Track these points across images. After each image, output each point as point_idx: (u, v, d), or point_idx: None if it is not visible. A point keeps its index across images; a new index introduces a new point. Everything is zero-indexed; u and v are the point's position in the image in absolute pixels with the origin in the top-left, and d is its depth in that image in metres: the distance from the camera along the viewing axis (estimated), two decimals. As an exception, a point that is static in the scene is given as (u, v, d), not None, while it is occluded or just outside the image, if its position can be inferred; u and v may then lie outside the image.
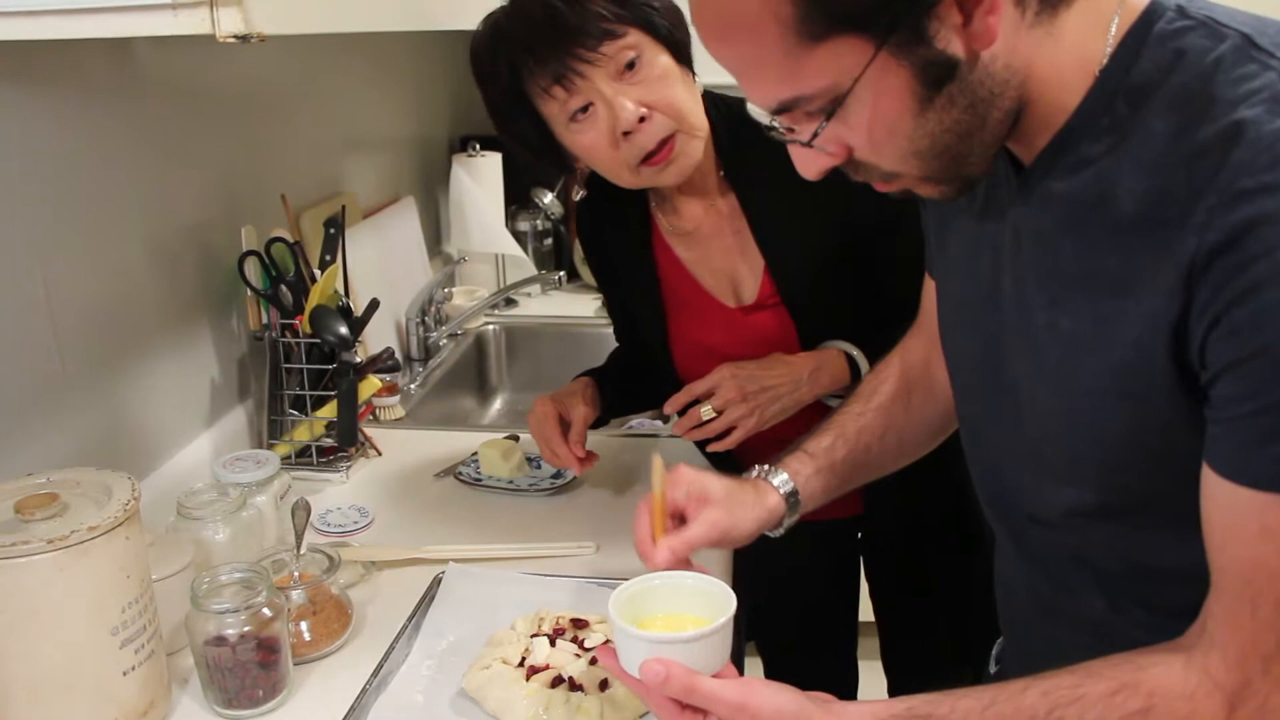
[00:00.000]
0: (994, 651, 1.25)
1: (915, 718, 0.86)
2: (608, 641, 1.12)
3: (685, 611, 1.00)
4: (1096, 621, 0.96)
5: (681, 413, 1.48)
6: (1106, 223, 0.80)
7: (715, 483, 1.16)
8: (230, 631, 1.11)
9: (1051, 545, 0.98)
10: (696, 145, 1.37)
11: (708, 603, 0.99)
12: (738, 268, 1.49)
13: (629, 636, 0.94)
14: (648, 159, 1.34)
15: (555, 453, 1.50)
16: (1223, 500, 0.78)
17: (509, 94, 1.36)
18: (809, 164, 0.87)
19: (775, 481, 1.19)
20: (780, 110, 0.83)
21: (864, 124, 0.81)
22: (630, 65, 1.30)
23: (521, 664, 1.14)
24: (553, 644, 1.16)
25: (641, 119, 1.31)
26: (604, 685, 1.09)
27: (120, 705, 1.07)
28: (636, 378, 1.65)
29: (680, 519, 1.14)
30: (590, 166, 1.43)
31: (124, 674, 1.06)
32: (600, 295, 1.82)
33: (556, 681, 1.10)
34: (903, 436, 1.24)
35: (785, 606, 1.75)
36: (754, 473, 1.21)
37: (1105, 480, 0.88)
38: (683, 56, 1.36)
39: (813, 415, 1.44)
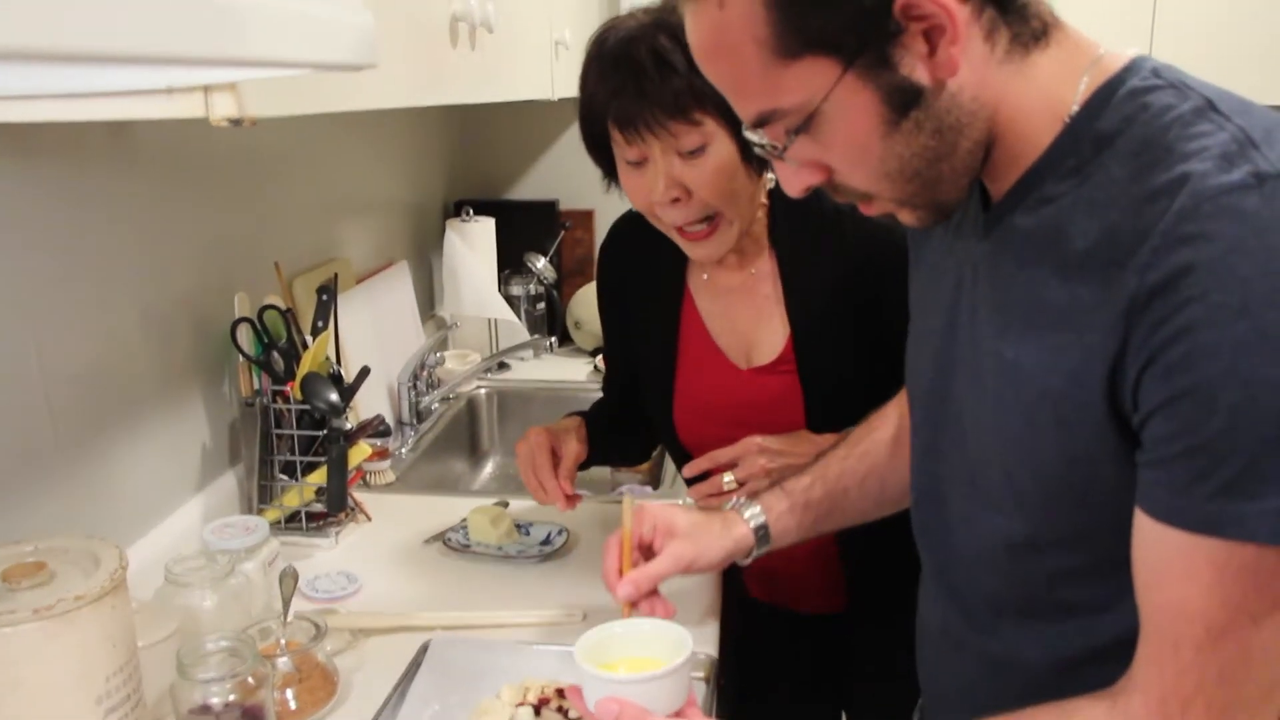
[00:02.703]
0: (916, 705, 1.26)
1: None
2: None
3: (648, 655, 1.04)
4: (1001, 661, 0.99)
5: (698, 478, 1.50)
6: (1058, 259, 0.84)
7: (682, 516, 1.22)
8: (215, 700, 1.11)
9: (972, 577, 1.01)
10: (734, 232, 1.40)
11: (668, 647, 1.03)
12: (758, 330, 1.50)
13: (589, 677, 0.99)
14: (681, 230, 1.38)
15: (543, 485, 1.50)
16: (1152, 541, 0.80)
17: (591, 115, 1.39)
18: (792, 181, 0.92)
19: (746, 514, 1.24)
20: (760, 123, 0.88)
21: (836, 142, 0.86)
22: (693, 152, 1.33)
23: (506, 734, 1.14)
24: (537, 713, 1.16)
25: (675, 199, 1.35)
26: (587, 755, 1.09)
27: (103, 775, 1.07)
28: (621, 429, 1.67)
29: (649, 552, 1.20)
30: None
31: (107, 743, 1.06)
32: (601, 343, 1.81)
33: (540, 751, 1.10)
34: (884, 484, 1.26)
35: (767, 695, 1.75)
36: (729, 505, 1.26)
37: (1035, 511, 0.90)
38: (753, 154, 1.38)
39: None
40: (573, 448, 1.53)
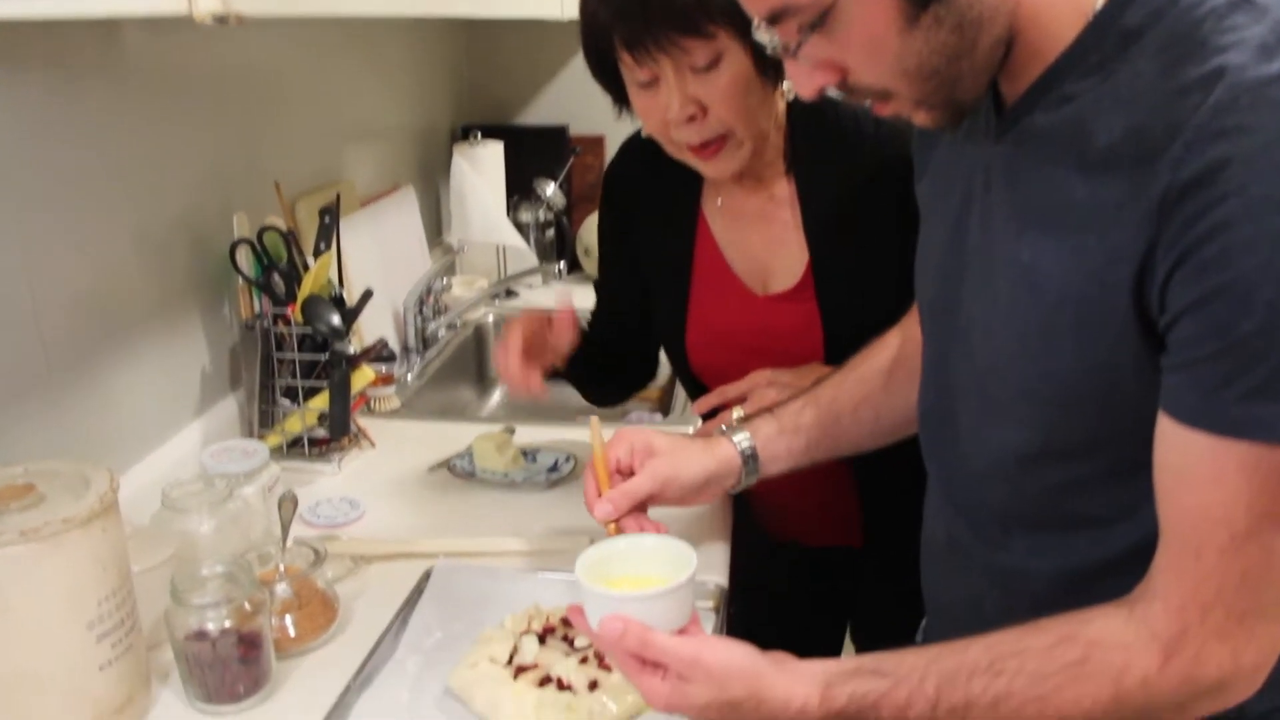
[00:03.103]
0: (921, 625, 1.23)
1: (864, 673, 0.87)
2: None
3: (651, 573, 1.01)
4: (1009, 574, 0.97)
5: (710, 415, 1.46)
6: (1080, 158, 0.81)
7: (661, 437, 1.20)
8: (211, 626, 1.08)
9: (981, 491, 0.98)
10: (745, 151, 1.34)
11: (672, 563, 1.00)
12: (776, 256, 1.45)
13: (591, 594, 0.96)
14: (694, 147, 1.33)
15: (509, 361, 1.41)
16: (1176, 446, 0.78)
17: (595, 39, 1.32)
18: (805, 82, 0.88)
19: (734, 438, 1.22)
20: (772, 19, 0.84)
21: (852, 39, 0.83)
22: (706, 67, 1.26)
23: (510, 662, 1.11)
24: (542, 642, 1.13)
25: (691, 117, 1.29)
26: (594, 685, 1.06)
27: (96, 701, 1.04)
28: (597, 375, 1.64)
29: (630, 475, 1.19)
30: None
31: (100, 669, 1.03)
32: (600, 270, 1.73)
33: (545, 681, 1.07)
34: (878, 414, 1.22)
35: (770, 624, 1.71)
36: (718, 431, 1.24)
37: (1049, 420, 0.88)
38: (768, 65, 1.31)
39: None
40: (566, 338, 1.45)
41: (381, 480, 1.63)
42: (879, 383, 1.21)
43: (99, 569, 1.02)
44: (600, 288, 1.68)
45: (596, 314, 1.67)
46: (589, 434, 1.22)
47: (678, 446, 1.20)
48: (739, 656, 0.91)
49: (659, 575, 0.99)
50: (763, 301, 1.45)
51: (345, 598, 1.26)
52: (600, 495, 1.17)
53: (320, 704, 1.08)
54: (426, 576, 1.31)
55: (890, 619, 1.58)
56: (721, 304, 1.48)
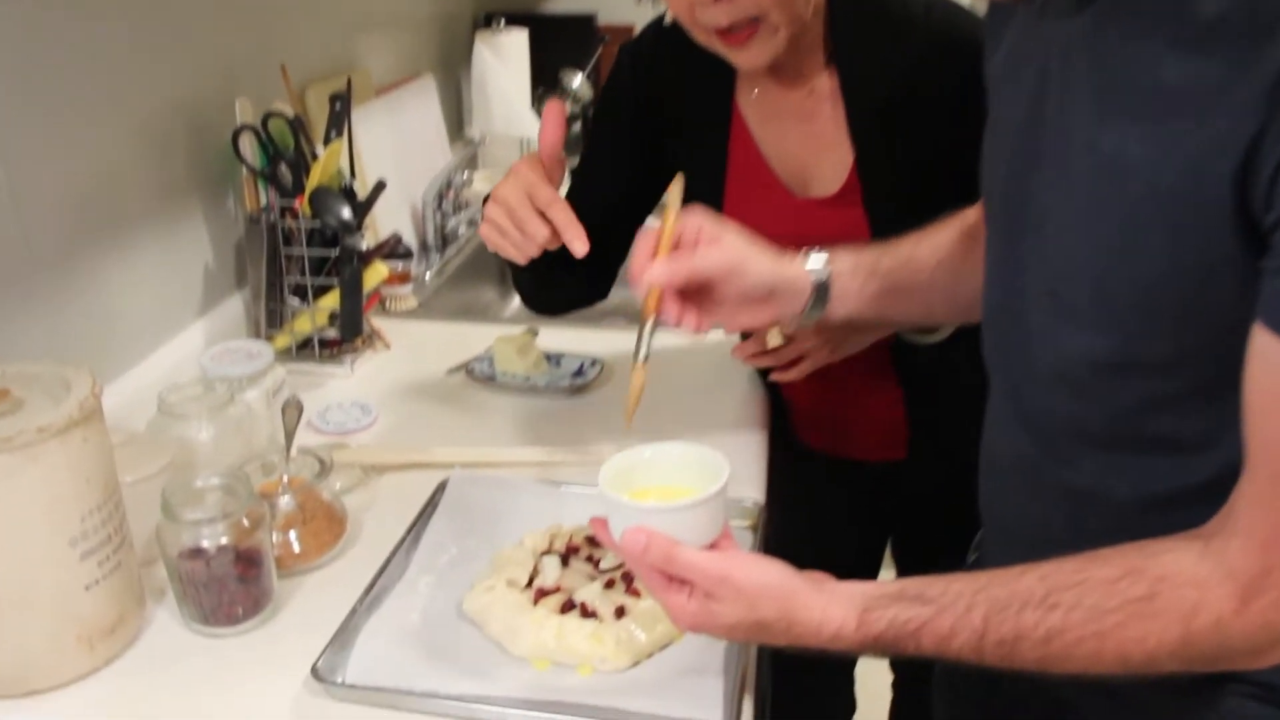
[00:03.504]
0: (974, 541, 1.13)
1: (906, 598, 0.81)
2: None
3: (679, 484, 0.92)
4: (1080, 495, 0.89)
5: (742, 336, 1.35)
6: (1177, 33, 0.71)
7: (733, 231, 1.06)
8: (206, 543, 1.00)
9: (1051, 403, 0.89)
10: (780, 39, 1.19)
11: (703, 474, 0.91)
12: (817, 157, 1.31)
13: (615, 505, 0.88)
14: (723, 33, 1.18)
15: (525, 221, 1.19)
16: (1271, 362, 0.69)
17: None
18: None
19: (808, 263, 1.09)
20: None
21: None
22: None
23: (529, 585, 1.02)
24: (565, 564, 1.05)
25: None
26: (620, 612, 0.98)
27: (83, 622, 0.96)
28: (563, 263, 1.31)
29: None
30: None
31: (86, 588, 0.95)
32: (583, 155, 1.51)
33: (568, 607, 0.99)
34: (957, 279, 1.10)
35: (806, 541, 1.62)
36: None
37: (1129, 327, 0.79)
38: None
39: (887, 355, 1.32)
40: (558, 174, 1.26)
41: (395, 384, 1.55)
42: (958, 249, 1.10)
43: (81, 482, 0.93)
44: (578, 175, 1.49)
45: (568, 200, 1.48)
46: (664, 209, 1.06)
47: (751, 243, 1.06)
48: (771, 575, 0.84)
49: (689, 486, 0.91)
50: (804, 206, 1.32)
51: (354, 511, 1.18)
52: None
53: (325, 626, 1.00)
54: (441, 488, 1.22)
55: (934, 536, 1.51)
56: (759, 208, 1.34)
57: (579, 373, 1.53)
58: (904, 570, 1.64)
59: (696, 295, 1.04)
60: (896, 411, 1.40)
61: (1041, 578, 0.78)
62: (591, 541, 1.08)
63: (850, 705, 1.88)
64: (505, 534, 1.13)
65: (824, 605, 0.82)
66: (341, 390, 1.53)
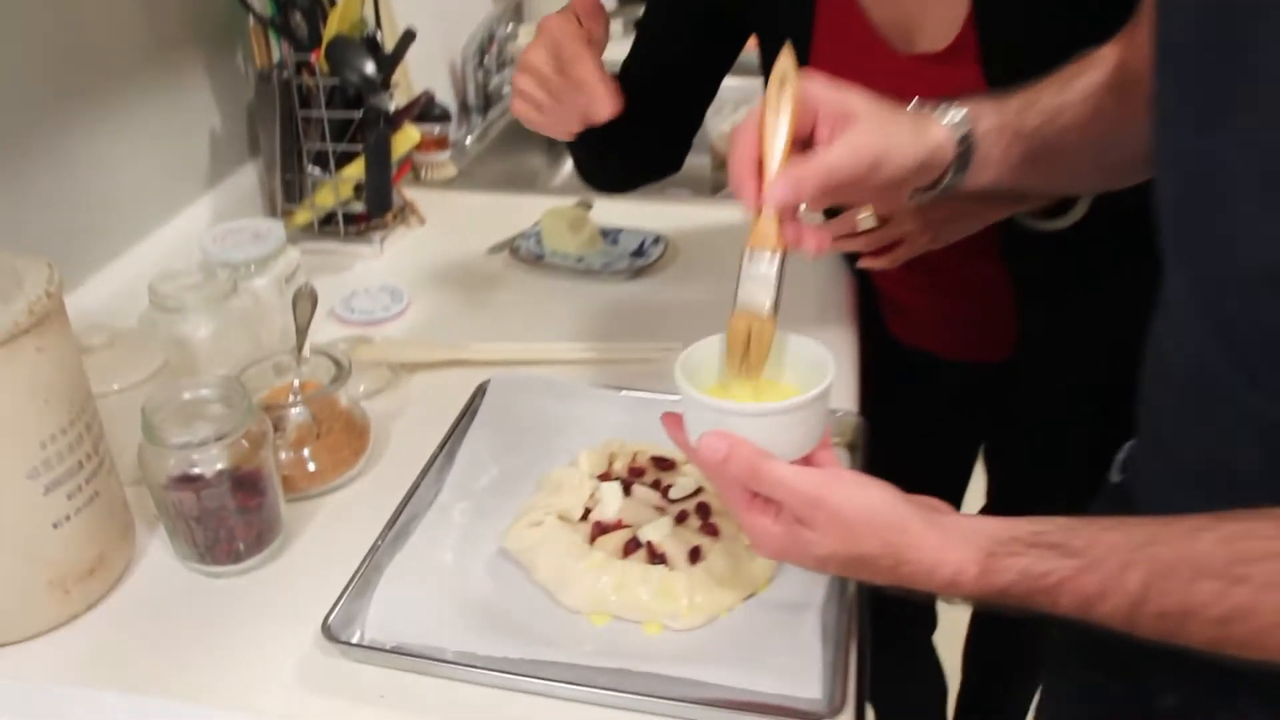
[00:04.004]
0: (1120, 457, 0.93)
1: (1043, 545, 0.65)
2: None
3: (771, 379, 0.76)
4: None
5: (829, 213, 1.14)
6: None
7: (857, 99, 0.80)
8: (197, 470, 0.83)
9: (1258, 314, 0.69)
10: None
11: (799, 370, 0.74)
12: (925, 4, 1.08)
13: (692, 403, 0.72)
14: None
15: (560, 90, 1.01)
16: None
17: None
18: None
19: (944, 118, 0.84)
20: None
21: None
22: None
23: (585, 518, 0.85)
24: (627, 491, 0.87)
25: None
26: (696, 555, 0.80)
27: (54, 565, 0.81)
28: (629, 129, 1.11)
29: (805, 148, 0.80)
30: None
31: (54, 526, 0.80)
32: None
33: (631, 548, 0.81)
34: (1115, 136, 0.86)
35: (892, 448, 1.43)
36: (910, 107, 0.85)
37: None
38: None
39: (996, 241, 1.10)
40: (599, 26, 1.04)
41: (430, 266, 1.39)
42: (1108, 102, 0.86)
43: (38, 402, 0.77)
44: (641, 29, 1.25)
45: (630, 60, 1.24)
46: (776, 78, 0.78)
47: (884, 117, 0.81)
48: (878, 501, 0.68)
49: (782, 384, 0.75)
50: (908, 64, 1.09)
51: (378, 420, 1.01)
52: (762, 168, 0.77)
53: (342, 562, 0.84)
54: (480, 393, 1.05)
55: (1036, 449, 1.32)
56: (854, 64, 1.09)
57: (639, 252, 1.37)
58: (998, 483, 1.45)
59: (835, 191, 0.82)
60: (1005, 307, 1.20)
61: (1225, 540, 0.61)
62: (660, 464, 0.90)
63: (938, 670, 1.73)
64: (555, 451, 0.95)
65: (939, 544, 0.66)
66: (369, 273, 1.37)
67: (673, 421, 0.74)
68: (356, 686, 0.76)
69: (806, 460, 0.71)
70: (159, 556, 0.89)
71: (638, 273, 1.33)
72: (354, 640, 0.77)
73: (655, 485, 0.88)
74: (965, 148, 0.83)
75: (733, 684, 0.73)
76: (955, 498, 1.52)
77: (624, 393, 1.03)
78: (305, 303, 1.03)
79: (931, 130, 0.83)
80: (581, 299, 1.29)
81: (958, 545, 0.66)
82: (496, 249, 1.40)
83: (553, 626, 0.79)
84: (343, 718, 0.74)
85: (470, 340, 1.16)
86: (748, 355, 0.74)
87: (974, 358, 1.29)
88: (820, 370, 0.72)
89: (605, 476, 0.89)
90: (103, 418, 0.86)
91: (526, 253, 1.37)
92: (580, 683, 0.73)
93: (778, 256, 0.74)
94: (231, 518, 0.85)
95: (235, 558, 0.86)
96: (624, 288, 1.31)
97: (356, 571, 0.83)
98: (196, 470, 0.83)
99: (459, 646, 0.76)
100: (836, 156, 0.76)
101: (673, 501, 0.86)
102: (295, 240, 1.29)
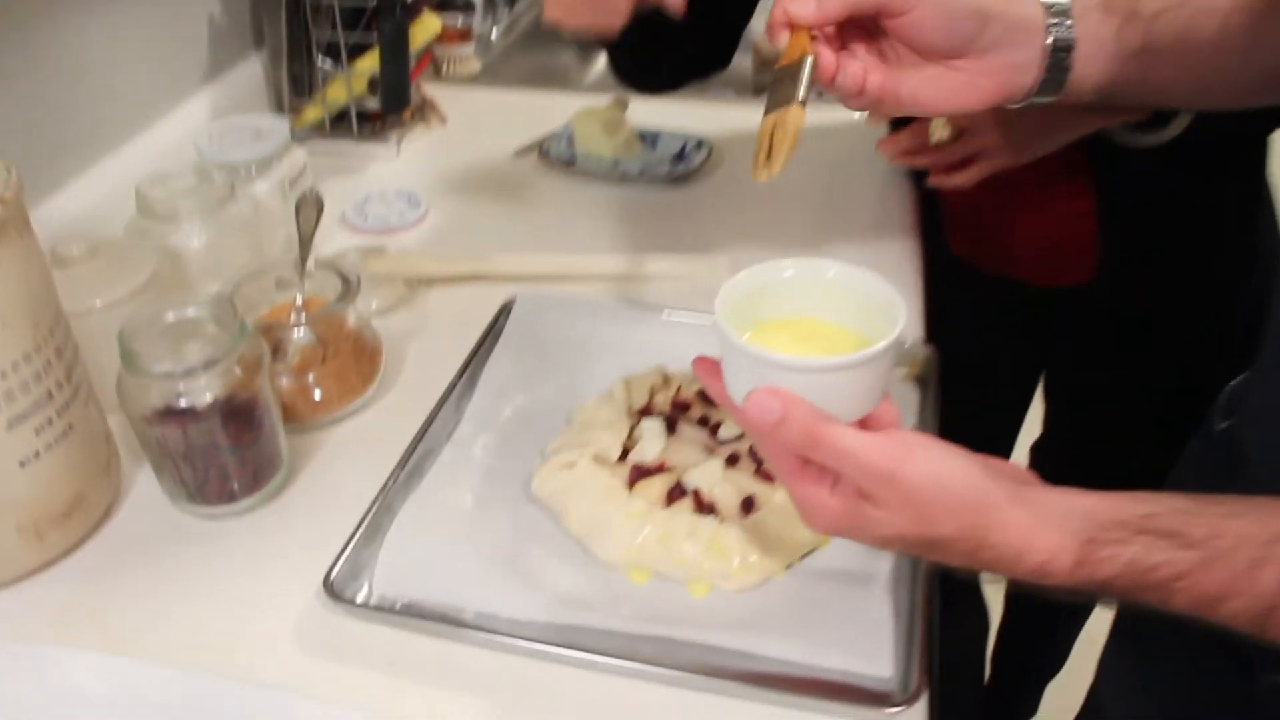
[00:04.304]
0: (1223, 399, 0.81)
1: (1152, 531, 0.55)
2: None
3: (825, 319, 0.64)
4: None
5: (898, 123, 1.04)
6: None
7: None
8: (184, 401, 0.73)
9: None
10: None
11: (865, 312, 0.62)
12: None
13: (735, 352, 0.60)
14: None
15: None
16: None
17: None
18: None
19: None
20: None
21: None
22: None
23: (623, 458, 0.75)
24: (671, 429, 0.77)
25: None
26: (749, 506, 0.70)
27: (23, 507, 0.72)
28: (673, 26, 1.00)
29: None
30: None
31: (21, 465, 0.71)
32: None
33: (675, 495, 0.71)
34: (1258, 36, 0.72)
35: (976, 382, 1.32)
36: None
37: None
38: None
39: (1082, 154, 1.00)
40: None
41: (452, 168, 1.29)
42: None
43: (-5, 325, 0.67)
44: None
45: None
46: None
47: None
48: (956, 475, 0.57)
49: (842, 326, 0.64)
50: None
51: (392, 341, 0.92)
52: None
53: (348, 505, 0.75)
54: (505, 312, 0.95)
55: (1104, 380, 1.21)
56: None
57: (680, 156, 1.27)
58: (1057, 416, 1.34)
59: (862, 42, 0.71)
60: (1086, 226, 1.09)
61: None
62: (708, 398, 0.79)
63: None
64: (589, 379, 0.85)
65: (1028, 527, 0.56)
66: (384, 176, 1.27)
67: (708, 368, 0.63)
68: (361, 650, 0.67)
69: (863, 423, 0.60)
70: (147, 494, 0.80)
71: (679, 179, 1.23)
72: (359, 600, 0.68)
73: (703, 422, 0.78)
74: (1063, 52, 0.69)
75: (790, 658, 0.63)
76: (1011, 428, 1.42)
77: (666, 314, 0.93)
78: (310, 209, 0.92)
79: (1021, 5, 0.70)
80: (617, 207, 1.19)
81: (1051, 529, 0.55)
82: (524, 152, 1.31)
83: (586, 583, 0.70)
84: (346, 687, 0.65)
85: (494, 252, 1.06)
86: (771, 152, 0.64)
87: (1046, 282, 1.18)
88: (888, 314, 0.60)
89: (646, 411, 0.79)
90: (83, 339, 0.76)
91: (556, 156, 1.28)
92: (621, 655, 0.63)
93: (807, 60, 0.65)
94: (224, 455, 0.75)
95: (229, 497, 0.77)
96: (664, 195, 1.21)
97: (364, 516, 0.73)
98: (183, 402, 0.73)
99: (479, 607, 0.67)
100: None
101: (722, 442, 0.76)
102: (303, 140, 1.19)
